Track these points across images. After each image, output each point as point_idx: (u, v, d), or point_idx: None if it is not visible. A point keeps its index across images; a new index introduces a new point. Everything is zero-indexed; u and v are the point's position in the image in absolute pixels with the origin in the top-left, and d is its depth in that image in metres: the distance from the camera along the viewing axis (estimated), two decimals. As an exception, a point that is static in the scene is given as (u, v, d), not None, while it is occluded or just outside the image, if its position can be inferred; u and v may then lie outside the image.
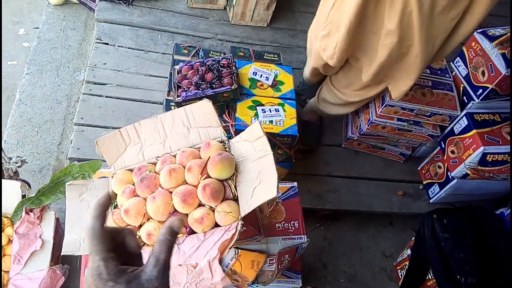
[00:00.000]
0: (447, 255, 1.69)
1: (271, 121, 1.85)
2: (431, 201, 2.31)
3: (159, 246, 0.55)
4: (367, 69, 1.79)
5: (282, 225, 1.38)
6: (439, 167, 2.25)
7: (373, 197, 2.24)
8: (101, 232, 0.55)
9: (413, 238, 2.04)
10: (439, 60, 1.86)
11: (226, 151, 1.15)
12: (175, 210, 1.06)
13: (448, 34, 1.62)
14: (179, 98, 1.81)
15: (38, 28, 2.69)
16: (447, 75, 2.21)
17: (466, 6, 1.53)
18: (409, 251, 2.05)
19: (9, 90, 2.47)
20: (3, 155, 1.38)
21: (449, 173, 2.15)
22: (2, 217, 1.39)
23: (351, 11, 1.55)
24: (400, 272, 2.13)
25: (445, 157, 2.18)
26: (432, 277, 1.83)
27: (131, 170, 1.19)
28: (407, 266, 2.03)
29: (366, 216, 2.29)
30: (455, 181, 2.12)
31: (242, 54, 2.23)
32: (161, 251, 0.54)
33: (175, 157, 1.18)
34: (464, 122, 2.06)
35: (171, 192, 1.08)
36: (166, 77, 2.25)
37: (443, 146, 2.19)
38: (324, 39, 1.76)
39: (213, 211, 1.05)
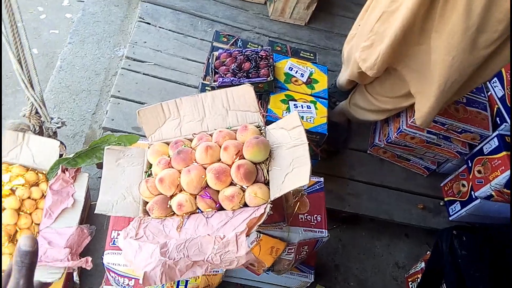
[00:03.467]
0: (462, 272, 1.68)
1: (302, 117, 1.87)
2: (450, 218, 2.29)
3: (12, 270, 0.50)
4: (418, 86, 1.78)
5: (305, 217, 1.40)
6: (463, 185, 2.23)
7: (392, 206, 2.24)
8: None
9: (428, 252, 2.04)
10: (464, 94, 1.85)
11: (262, 136, 1.17)
12: (207, 185, 1.09)
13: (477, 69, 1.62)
14: (215, 83, 1.84)
15: (83, 1, 2.76)
16: (482, 94, 2.19)
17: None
18: (422, 265, 2.05)
19: (48, 57, 2.55)
20: (45, 113, 1.43)
21: (473, 192, 2.13)
22: (38, 173, 1.44)
23: (399, 25, 1.56)
24: (411, 284, 2.12)
25: (470, 176, 2.16)
26: (444, 292, 1.82)
27: (168, 143, 1.23)
28: (419, 279, 2.02)
29: (383, 224, 2.28)
30: (478, 201, 2.10)
31: (279, 49, 2.25)
32: (14, 276, 0.49)
33: (211, 136, 1.21)
34: (494, 143, 2.04)
35: (205, 168, 1.11)
36: (202, 63, 2.29)
37: (470, 164, 2.17)
38: (365, 50, 1.76)
39: (244, 191, 1.08)
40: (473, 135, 2.07)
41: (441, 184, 2.40)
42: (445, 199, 2.35)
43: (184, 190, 1.09)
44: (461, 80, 1.64)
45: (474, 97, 2.15)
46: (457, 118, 2.04)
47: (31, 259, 0.50)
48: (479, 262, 1.70)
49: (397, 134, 2.14)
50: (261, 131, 1.20)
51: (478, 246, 1.74)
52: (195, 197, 1.09)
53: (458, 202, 2.25)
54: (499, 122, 2.08)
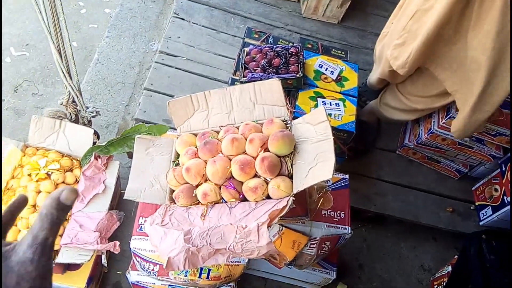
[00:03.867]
0: (490, 277, 1.64)
1: (330, 114, 1.87)
2: (481, 223, 2.22)
3: (39, 221, 0.43)
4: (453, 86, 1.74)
5: (328, 213, 1.41)
6: (496, 190, 2.16)
7: (420, 208, 2.19)
8: None
9: (455, 256, 1.99)
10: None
11: (288, 130, 1.19)
12: (232, 176, 1.12)
13: None
14: (244, 78, 1.87)
15: (122, -4, 2.85)
16: (519, 97, 2.11)
17: None
18: (449, 268, 2.00)
19: (87, 50, 2.65)
20: (81, 102, 1.50)
21: (505, 197, 2.06)
22: (72, 159, 1.52)
23: (432, 23, 1.53)
24: (437, 287, 2.08)
25: (504, 181, 2.09)
26: (470, 298, 1.78)
27: (195, 134, 1.27)
28: (444, 283, 1.98)
29: (409, 226, 2.24)
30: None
31: (310, 46, 2.25)
32: (41, 228, 0.43)
33: (237, 128, 1.23)
34: (531, 147, 1.97)
35: (230, 159, 1.13)
36: (233, 59, 2.32)
37: (503, 168, 2.10)
38: (397, 48, 1.74)
39: (267, 184, 1.10)
40: (508, 138, 2.00)
41: (473, 188, 2.33)
42: (476, 203, 2.28)
43: (209, 180, 1.12)
44: (499, 82, 1.58)
45: (509, 99, 2.07)
46: (492, 120, 1.97)
47: (65, 214, 0.45)
48: (508, 268, 1.65)
49: (427, 135, 2.10)
50: (287, 125, 1.22)
51: (508, 252, 1.69)
52: (220, 187, 1.12)
53: (489, 207, 2.18)
54: (536, 126, 2.00)
